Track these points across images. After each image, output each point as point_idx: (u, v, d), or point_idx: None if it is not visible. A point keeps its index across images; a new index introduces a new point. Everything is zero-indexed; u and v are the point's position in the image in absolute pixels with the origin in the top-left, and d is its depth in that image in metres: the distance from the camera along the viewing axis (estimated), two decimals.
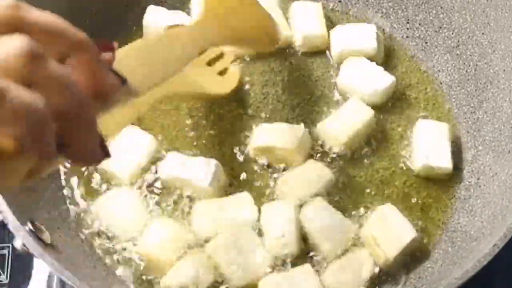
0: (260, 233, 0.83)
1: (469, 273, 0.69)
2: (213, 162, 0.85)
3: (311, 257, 0.82)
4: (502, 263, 0.75)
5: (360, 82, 0.92)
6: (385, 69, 0.94)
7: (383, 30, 1.02)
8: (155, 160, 0.88)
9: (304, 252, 0.82)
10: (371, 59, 0.94)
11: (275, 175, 0.88)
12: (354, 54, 0.95)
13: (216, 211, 0.84)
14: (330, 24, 1.00)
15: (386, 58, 0.99)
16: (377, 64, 0.94)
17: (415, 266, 0.83)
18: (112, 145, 0.58)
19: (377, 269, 0.81)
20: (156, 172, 0.87)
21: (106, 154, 0.47)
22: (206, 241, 0.82)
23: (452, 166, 0.88)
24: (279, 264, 0.81)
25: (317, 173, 0.86)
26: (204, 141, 0.91)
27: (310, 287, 0.78)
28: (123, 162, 0.86)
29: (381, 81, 0.93)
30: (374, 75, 0.93)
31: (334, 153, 0.89)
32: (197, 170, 0.85)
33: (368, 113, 0.90)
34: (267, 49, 0.95)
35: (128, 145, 0.87)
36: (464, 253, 0.80)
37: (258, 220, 0.83)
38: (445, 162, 0.88)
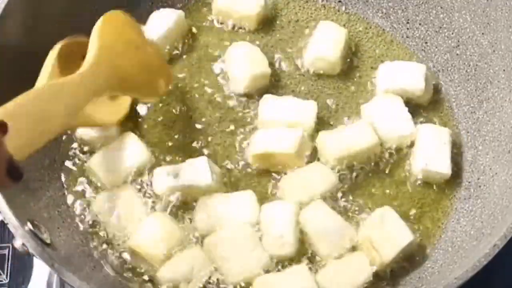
0: (259, 232, 0.83)
1: (469, 273, 0.70)
2: (203, 159, 0.86)
3: (308, 258, 0.82)
4: (502, 263, 0.75)
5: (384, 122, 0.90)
6: None
7: (383, 30, 1.02)
8: (141, 170, 0.88)
9: (302, 253, 0.82)
10: (417, 99, 0.93)
11: (277, 176, 0.88)
12: (400, 92, 0.92)
13: (218, 206, 0.84)
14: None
15: (386, 58, 0.99)
16: (424, 104, 0.94)
17: (415, 266, 0.83)
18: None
19: (373, 272, 0.80)
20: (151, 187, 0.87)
21: (15, 178, 0.54)
22: (205, 235, 0.82)
23: (451, 171, 0.87)
24: (276, 263, 0.81)
25: (322, 176, 0.86)
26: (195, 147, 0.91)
27: (304, 287, 0.78)
28: (110, 166, 0.86)
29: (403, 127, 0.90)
30: (399, 119, 0.90)
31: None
32: (192, 172, 0.85)
33: (373, 140, 0.88)
34: (158, 94, 0.92)
35: (121, 151, 0.87)
36: (464, 253, 0.80)
37: (258, 219, 0.83)
38: (444, 168, 0.87)
